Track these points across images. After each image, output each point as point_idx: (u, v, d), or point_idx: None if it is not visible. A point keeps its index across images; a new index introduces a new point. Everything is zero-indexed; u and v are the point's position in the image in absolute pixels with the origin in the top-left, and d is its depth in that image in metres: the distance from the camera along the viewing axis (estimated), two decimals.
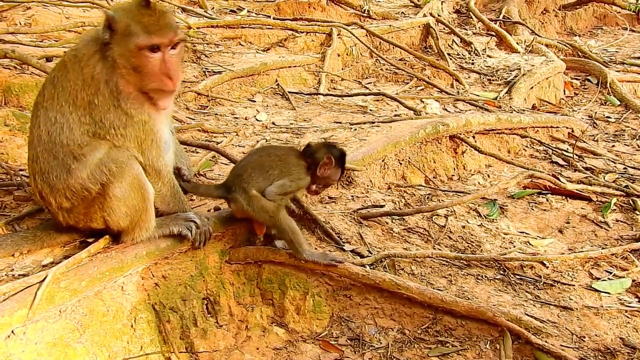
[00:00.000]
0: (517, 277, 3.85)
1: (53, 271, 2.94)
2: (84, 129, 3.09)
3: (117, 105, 3.10)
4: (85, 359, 2.96)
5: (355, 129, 5.32)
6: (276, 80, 6.61)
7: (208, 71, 6.32)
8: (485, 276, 3.82)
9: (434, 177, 5.14)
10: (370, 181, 4.65)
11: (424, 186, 4.91)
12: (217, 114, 5.66)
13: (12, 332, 2.76)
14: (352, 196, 4.40)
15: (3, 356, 2.72)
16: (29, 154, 3.25)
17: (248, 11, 8.59)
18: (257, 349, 3.42)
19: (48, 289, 2.87)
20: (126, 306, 3.16)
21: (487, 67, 8.24)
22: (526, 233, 4.46)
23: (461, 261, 3.90)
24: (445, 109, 6.55)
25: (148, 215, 3.23)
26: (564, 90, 8.25)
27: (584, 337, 3.34)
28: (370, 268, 3.61)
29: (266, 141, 5.05)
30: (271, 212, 3.42)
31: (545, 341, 3.22)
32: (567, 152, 5.82)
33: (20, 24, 6.36)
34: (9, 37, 5.81)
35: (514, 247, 4.22)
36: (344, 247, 3.82)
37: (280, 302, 3.58)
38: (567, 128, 6.39)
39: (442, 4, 10.22)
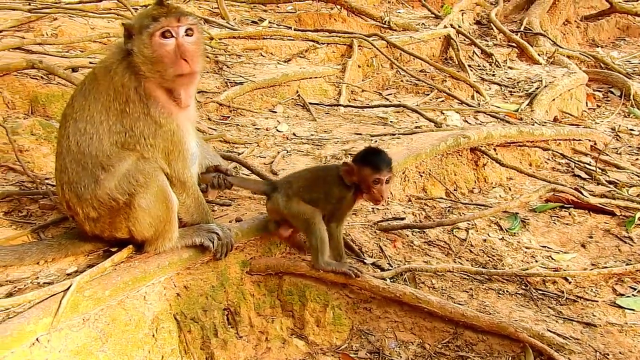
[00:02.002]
0: (539, 292, 3.81)
1: (77, 280, 2.97)
2: (113, 140, 3.14)
3: (147, 113, 3.15)
4: None
5: (376, 141, 5.32)
6: (297, 91, 6.63)
7: (230, 82, 6.37)
8: (507, 291, 3.79)
9: (454, 190, 5.12)
10: (391, 193, 4.65)
11: (444, 199, 4.89)
12: (238, 125, 5.70)
13: (37, 339, 2.80)
14: (372, 208, 4.40)
15: None
16: (56, 164, 3.30)
17: (269, 22, 8.65)
18: None
19: (72, 298, 2.91)
20: (148, 316, 3.19)
21: (508, 78, 8.20)
22: (548, 247, 4.42)
23: (482, 275, 3.88)
24: (466, 121, 6.53)
25: (172, 226, 3.27)
26: (587, 102, 8.19)
27: (608, 355, 3.30)
28: (391, 281, 3.61)
29: (287, 152, 5.07)
30: (307, 215, 3.49)
31: (568, 358, 3.19)
32: (590, 165, 5.77)
33: (47, 34, 6.46)
34: (36, 47, 5.90)
35: (536, 261, 4.19)
36: (364, 260, 3.82)
37: (301, 314, 3.59)
38: (589, 141, 6.32)
39: (462, 15, 10.20)
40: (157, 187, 3.16)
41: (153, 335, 3.20)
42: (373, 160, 3.50)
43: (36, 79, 5.20)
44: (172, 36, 3.08)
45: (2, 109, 4.91)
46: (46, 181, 4.13)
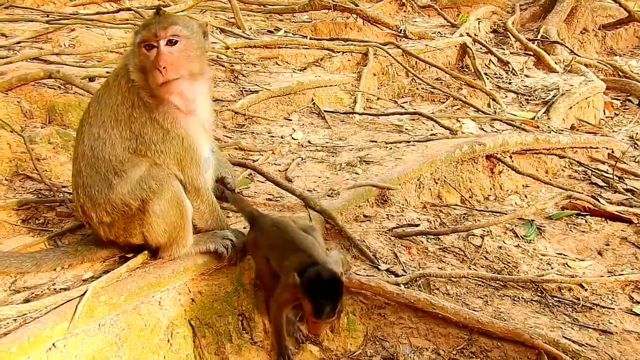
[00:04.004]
0: (555, 299, 3.77)
1: (93, 285, 3.01)
2: (125, 145, 3.18)
3: (153, 119, 3.17)
4: None
5: (391, 148, 5.33)
6: (312, 100, 6.66)
7: (245, 90, 6.41)
8: (522, 297, 3.76)
9: (470, 197, 5.10)
10: (406, 200, 4.65)
11: (459, 206, 4.87)
12: (253, 133, 5.74)
13: (53, 344, 2.83)
14: (387, 215, 4.40)
15: None
16: (73, 169, 3.35)
17: (285, 31, 8.71)
18: None
19: (88, 303, 2.94)
20: (163, 321, 3.21)
21: (524, 86, 8.17)
22: (564, 255, 4.38)
23: (497, 282, 3.85)
24: (482, 129, 6.51)
25: (186, 232, 3.29)
26: (604, 111, 8.13)
27: None
28: (405, 287, 3.60)
29: (302, 159, 5.09)
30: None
31: None
32: (607, 173, 5.72)
33: (64, 45, 6.56)
34: (53, 57, 5.99)
35: (552, 268, 4.15)
36: (379, 266, 3.81)
37: None
38: (607, 149, 6.27)
39: (479, 24, 10.20)
40: (171, 193, 3.19)
41: (168, 341, 3.22)
42: (319, 302, 2.99)
43: (53, 88, 5.27)
44: (154, 46, 3.10)
45: (20, 119, 4.98)
46: (63, 189, 4.19)
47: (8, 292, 3.17)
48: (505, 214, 4.69)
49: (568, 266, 4.22)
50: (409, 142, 5.50)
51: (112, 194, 3.17)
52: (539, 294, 3.80)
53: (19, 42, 6.41)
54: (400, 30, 9.32)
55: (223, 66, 6.84)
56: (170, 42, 3.11)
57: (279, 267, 3.24)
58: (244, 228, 3.76)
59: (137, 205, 3.17)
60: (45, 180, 4.28)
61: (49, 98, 5.16)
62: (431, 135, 5.93)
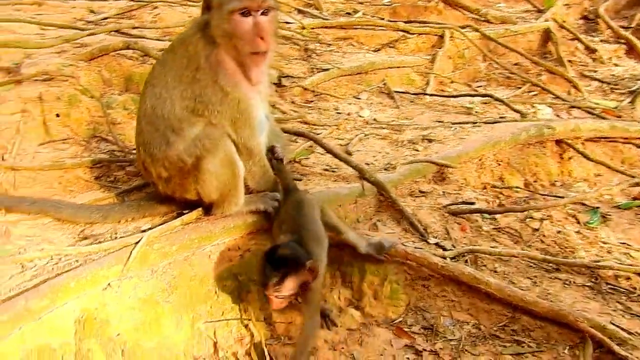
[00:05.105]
0: (609, 286, 3.66)
1: (148, 234, 3.24)
2: (184, 104, 3.34)
3: (215, 81, 3.32)
4: (171, 318, 3.22)
5: (456, 129, 5.28)
6: (383, 80, 6.65)
7: (316, 68, 6.50)
8: (574, 282, 3.67)
9: (534, 181, 4.98)
10: (465, 179, 4.60)
11: (521, 189, 4.77)
12: (320, 109, 5.82)
13: (109, 284, 3.08)
14: (443, 192, 4.38)
15: (100, 305, 3.03)
16: (136, 128, 3.57)
17: (363, 14, 8.71)
18: None
19: (142, 250, 3.17)
20: (211, 273, 3.39)
21: (611, 75, 7.81)
22: (627, 244, 4.21)
23: (549, 264, 3.78)
24: (558, 116, 6.30)
25: (237, 191, 3.45)
26: None
27: None
28: (452, 261, 3.60)
29: (365, 135, 5.14)
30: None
31: (630, 353, 3.05)
32: None
33: (147, 21, 6.93)
34: (134, 32, 6.37)
35: (612, 256, 4.02)
36: (427, 240, 3.82)
37: (359, 286, 3.65)
38: None
39: (567, 10, 9.81)
40: (224, 153, 3.34)
41: (215, 292, 3.40)
42: (262, 270, 3.06)
43: (132, 59, 5.61)
44: (250, 14, 3.23)
45: (100, 86, 5.35)
46: (134, 151, 4.44)
47: (76, 239, 3.46)
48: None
49: (630, 256, 4.07)
50: (475, 123, 5.42)
51: (169, 150, 3.36)
52: (593, 280, 3.70)
53: (105, 18, 6.82)
54: (482, 13, 9.10)
55: (297, 45, 6.96)
56: (265, 12, 3.25)
57: None
58: None
59: (192, 162, 3.33)
60: (118, 142, 4.58)
61: (127, 68, 5.51)
62: (500, 118, 5.81)
